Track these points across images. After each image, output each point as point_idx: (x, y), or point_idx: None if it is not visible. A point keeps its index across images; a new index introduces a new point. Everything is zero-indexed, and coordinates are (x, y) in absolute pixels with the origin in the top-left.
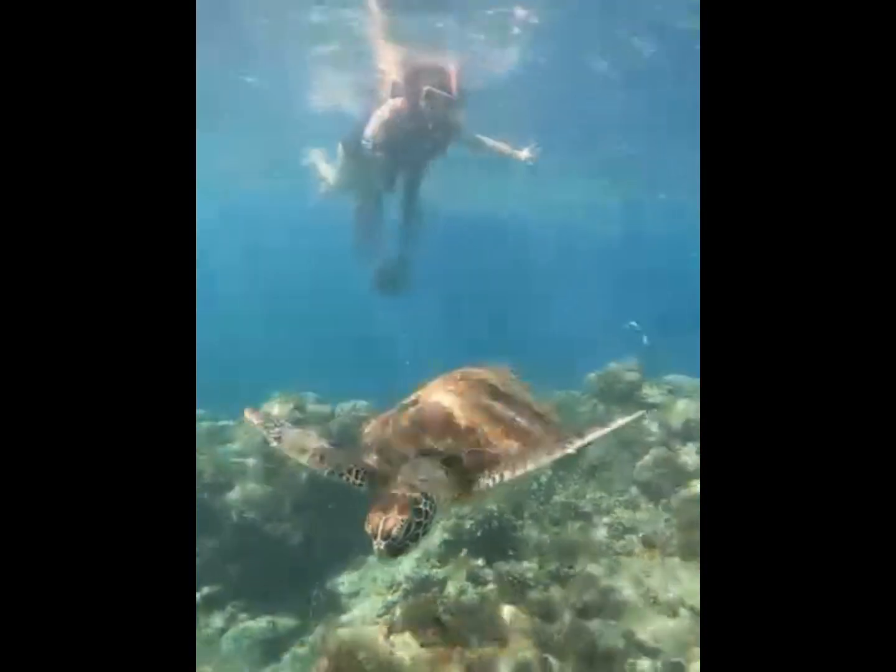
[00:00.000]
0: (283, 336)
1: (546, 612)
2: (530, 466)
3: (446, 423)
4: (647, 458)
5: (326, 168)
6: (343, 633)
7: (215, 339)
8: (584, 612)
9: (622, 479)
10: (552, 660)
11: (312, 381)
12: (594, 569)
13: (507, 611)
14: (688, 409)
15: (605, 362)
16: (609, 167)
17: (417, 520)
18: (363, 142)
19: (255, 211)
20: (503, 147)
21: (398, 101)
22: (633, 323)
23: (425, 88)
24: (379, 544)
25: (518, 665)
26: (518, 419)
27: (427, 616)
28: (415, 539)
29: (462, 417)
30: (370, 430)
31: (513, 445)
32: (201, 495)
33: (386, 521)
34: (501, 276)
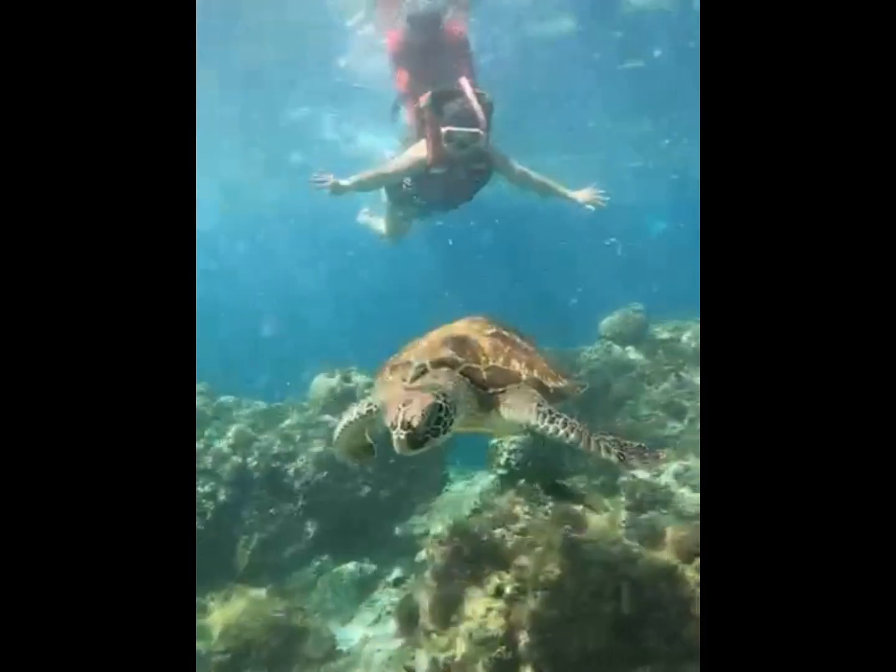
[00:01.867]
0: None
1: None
2: (554, 384)
3: (463, 340)
4: (664, 384)
5: (378, 221)
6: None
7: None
8: (638, 506)
9: (647, 405)
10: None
11: (344, 356)
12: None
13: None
14: (692, 339)
15: (611, 310)
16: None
17: (439, 414)
18: (403, 191)
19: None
20: (556, 186)
21: (420, 148)
22: (613, 239)
23: (444, 130)
24: (399, 433)
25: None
26: (532, 353)
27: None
28: (435, 433)
29: (479, 339)
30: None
31: (532, 373)
32: (273, 464)
33: (406, 412)
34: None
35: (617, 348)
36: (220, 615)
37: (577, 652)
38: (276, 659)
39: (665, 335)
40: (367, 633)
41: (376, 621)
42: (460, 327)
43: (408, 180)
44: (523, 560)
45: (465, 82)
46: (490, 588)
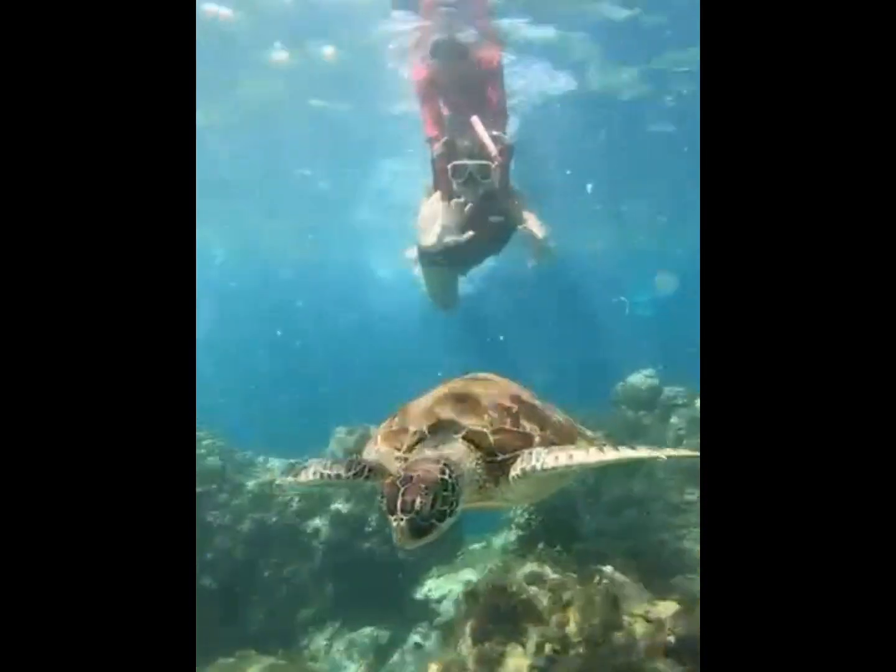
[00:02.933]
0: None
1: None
2: (573, 459)
3: (464, 399)
4: (687, 445)
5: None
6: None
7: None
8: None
9: (663, 469)
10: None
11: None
12: (662, 535)
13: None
14: None
15: (624, 375)
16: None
17: (444, 493)
18: (422, 256)
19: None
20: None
21: (434, 200)
22: (622, 298)
23: (450, 166)
24: (399, 519)
25: None
26: (548, 413)
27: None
28: (441, 517)
29: (484, 397)
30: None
31: (547, 433)
32: (291, 521)
33: (406, 492)
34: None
35: (630, 413)
36: None
37: None
38: None
39: (679, 400)
40: None
41: None
42: (460, 385)
43: (422, 250)
44: (562, 616)
45: (476, 120)
46: (530, 645)
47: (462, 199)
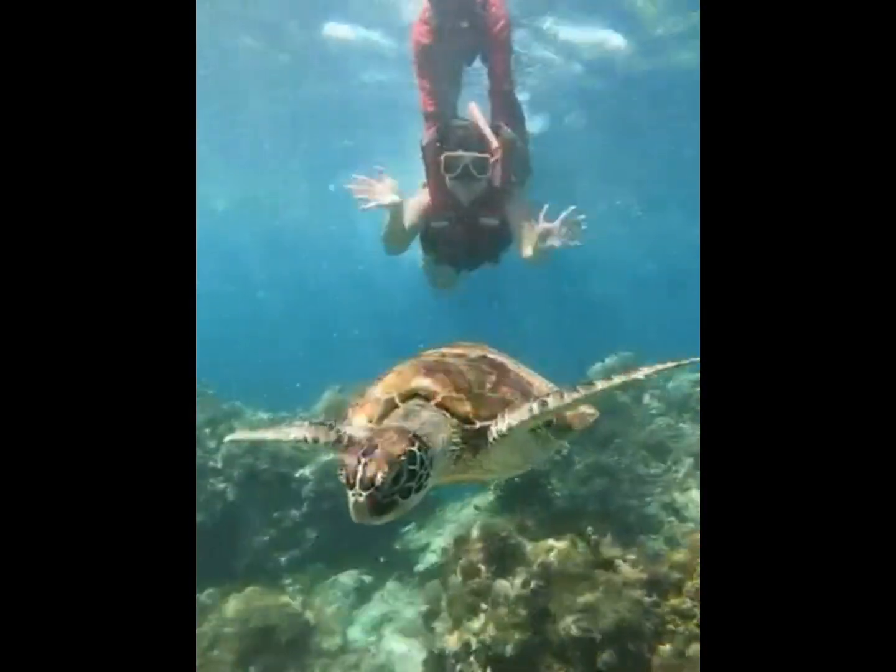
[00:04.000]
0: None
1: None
2: (548, 405)
3: (439, 367)
4: (652, 426)
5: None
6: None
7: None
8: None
9: (633, 444)
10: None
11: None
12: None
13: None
14: (682, 385)
15: (602, 356)
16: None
17: (411, 467)
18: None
19: None
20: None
21: (423, 197)
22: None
23: (442, 158)
24: (357, 495)
25: None
26: (529, 378)
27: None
28: (406, 494)
29: (461, 364)
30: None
31: (526, 392)
32: (281, 470)
33: (367, 466)
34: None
35: None
36: (234, 605)
37: (604, 631)
38: (292, 646)
39: (653, 382)
40: (369, 636)
41: (376, 627)
42: (436, 354)
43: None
44: (546, 558)
45: (474, 107)
46: (518, 581)
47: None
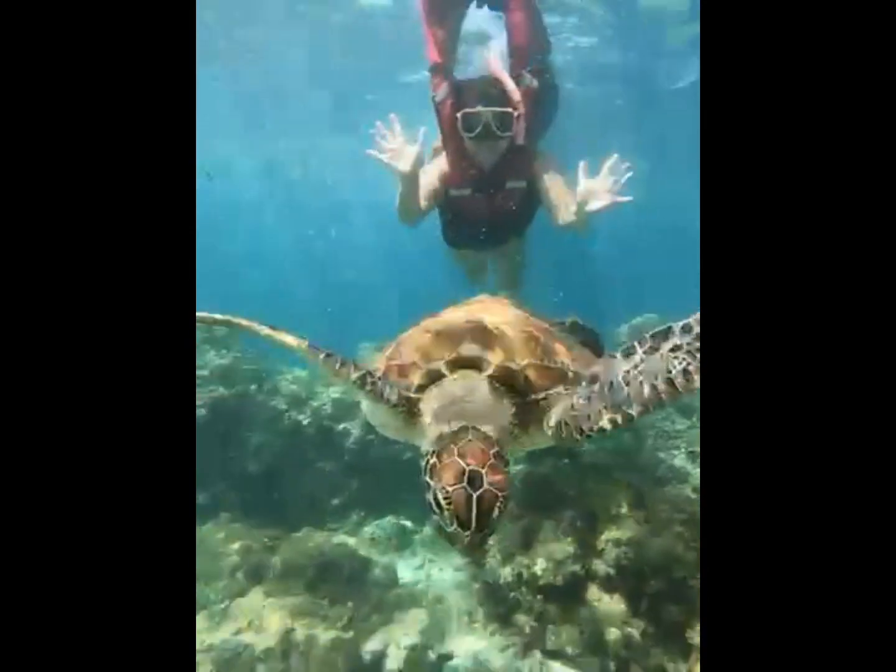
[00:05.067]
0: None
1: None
2: (634, 415)
3: (484, 328)
4: None
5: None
6: None
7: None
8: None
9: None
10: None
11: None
12: (657, 454)
13: None
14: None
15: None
16: None
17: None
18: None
19: None
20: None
21: (439, 163)
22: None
23: (459, 115)
24: (472, 538)
25: None
26: (565, 339)
27: None
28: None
29: (503, 324)
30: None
31: (575, 364)
32: (325, 424)
33: (481, 504)
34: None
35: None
36: (296, 544)
37: (650, 561)
38: (351, 580)
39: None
40: (416, 574)
41: (422, 566)
42: (473, 309)
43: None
44: (591, 500)
45: (494, 56)
46: (565, 520)
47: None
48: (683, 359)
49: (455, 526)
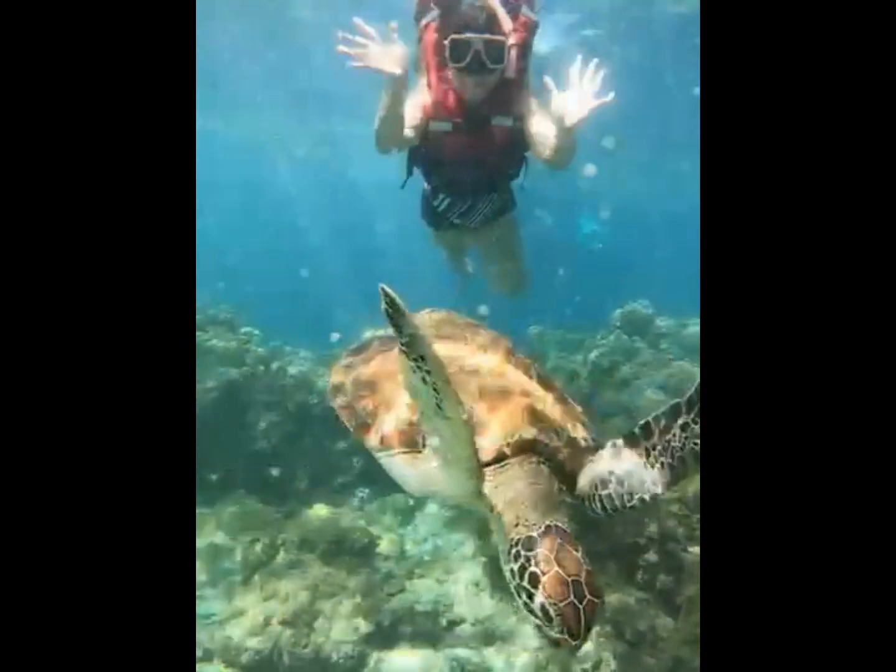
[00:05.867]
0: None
1: None
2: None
3: (535, 410)
4: (668, 370)
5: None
6: None
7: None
8: None
9: (651, 386)
10: None
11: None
12: None
13: None
14: (696, 331)
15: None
16: None
17: None
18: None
19: None
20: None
21: (421, 95)
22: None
23: (447, 41)
24: (581, 641)
25: None
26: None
27: None
28: None
29: (527, 384)
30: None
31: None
32: (326, 404)
33: (588, 610)
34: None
35: (625, 337)
36: (308, 518)
37: (648, 536)
38: (361, 553)
39: (666, 329)
40: (421, 547)
41: (426, 539)
42: (496, 370)
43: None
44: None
45: None
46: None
47: (456, 77)
48: (693, 441)
49: (565, 635)
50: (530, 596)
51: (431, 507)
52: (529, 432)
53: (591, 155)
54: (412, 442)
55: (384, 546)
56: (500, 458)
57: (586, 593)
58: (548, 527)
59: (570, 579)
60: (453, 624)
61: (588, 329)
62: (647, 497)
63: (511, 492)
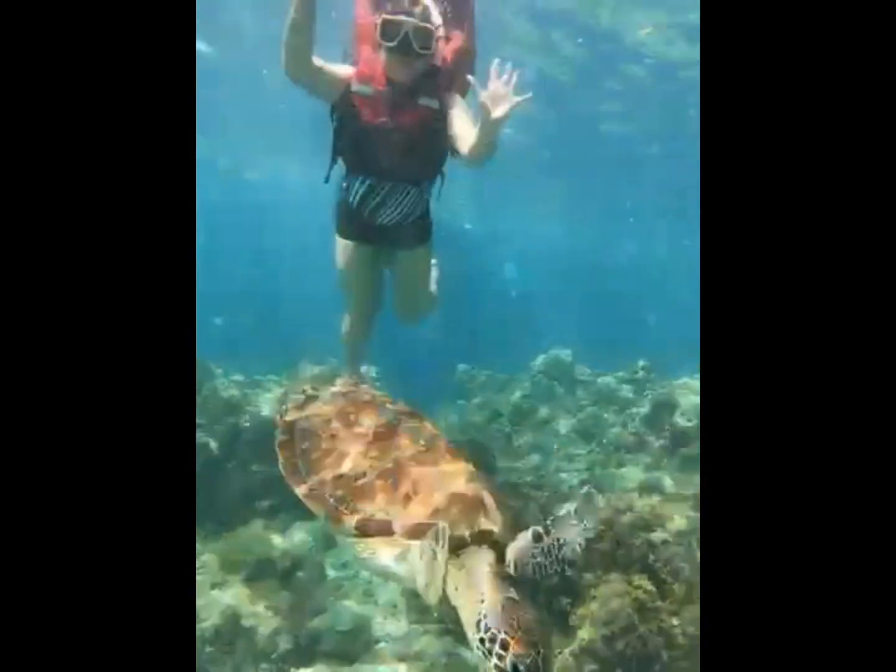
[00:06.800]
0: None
1: None
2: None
3: (483, 504)
4: (581, 414)
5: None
6: None
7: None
8: None
9: (564, 426)
10: None
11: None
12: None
13: None
14: (609, 381)
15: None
16: None
17: None
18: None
19: None
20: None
21: (351, 66)
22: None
23: (378, 20)
24: None
25: None
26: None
27: None
28: None
29: (487, 482)
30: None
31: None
32: (262, 427)
33: (544, 658)
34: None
35: (545, 381)
36: (233, 541)
37: None
38: (285, 575)
39: (586, 377)
40: (346, 571)
41: (348, 565)
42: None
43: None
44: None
45: None
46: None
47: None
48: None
49: None
50: (500, 657)
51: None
52: (487, 524)
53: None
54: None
55: (306, 569)
56: (462, 545)
57: (541, 648)
58: (506, 599)
59: (532, 639)
60: (371, 643)
61: (512, 370)
62: (580, 545)
63: (470, 576)
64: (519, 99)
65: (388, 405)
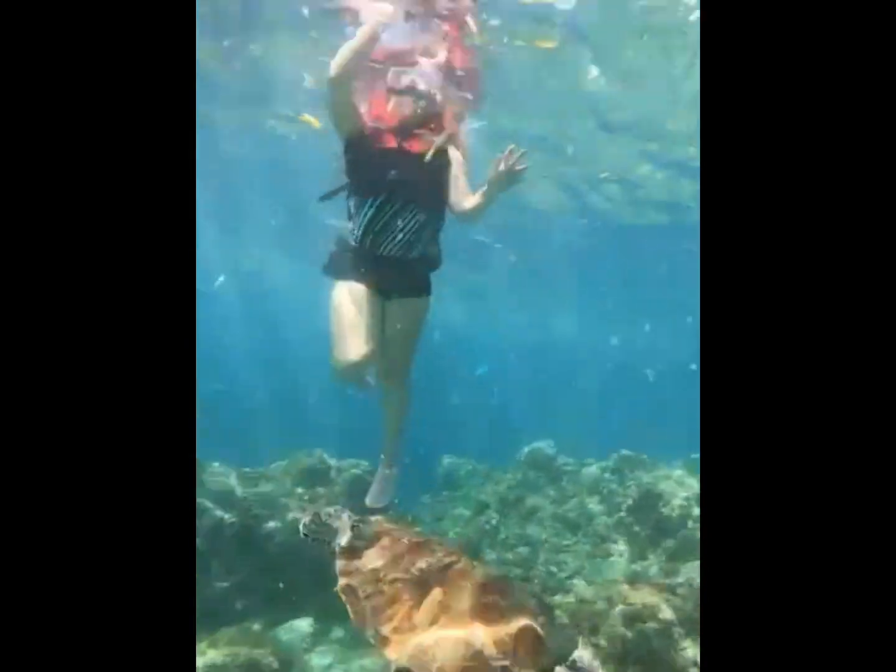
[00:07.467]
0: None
1: None
2: None
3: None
4: (566, 505)
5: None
6: None
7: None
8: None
9: (551, 517)
10: None
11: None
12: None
13: None
14: (592, 471)
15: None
16: None
17: None
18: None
19: None
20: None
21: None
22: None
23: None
24: None
25: None
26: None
27: None
28: None
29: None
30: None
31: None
32: (247, 524)
33: None
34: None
35: (530, 473)
36: (212, 644)
37: None
38: None
39: (569, 468)
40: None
41: (331, 666)
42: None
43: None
44: None
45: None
46: None
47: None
48: None
49: None
50: None
51: (337, 632)
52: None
53: None
54: None
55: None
56: None
57: None
58: None
59: None
60: None
61: (497, 461)
62: None
63: None
64: (521, 167)
65: (436, 546)
